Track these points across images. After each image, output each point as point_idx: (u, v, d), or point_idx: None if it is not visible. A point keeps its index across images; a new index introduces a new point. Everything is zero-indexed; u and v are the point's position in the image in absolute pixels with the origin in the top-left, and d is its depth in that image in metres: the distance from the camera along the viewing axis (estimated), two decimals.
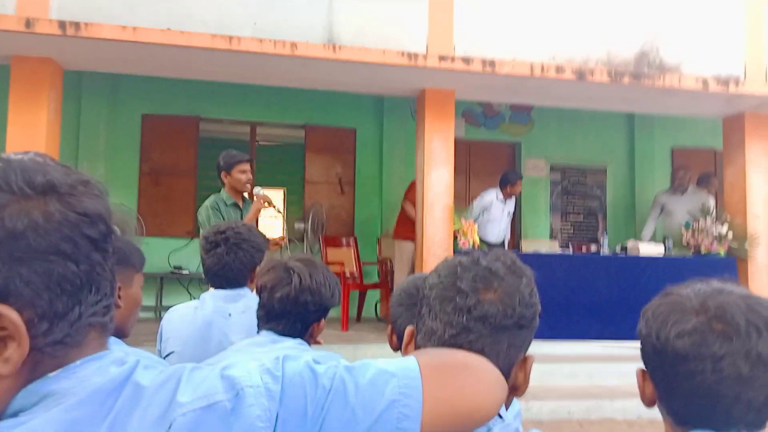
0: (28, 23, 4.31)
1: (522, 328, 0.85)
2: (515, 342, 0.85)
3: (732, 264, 5.69)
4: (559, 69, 5.24)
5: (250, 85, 6.10)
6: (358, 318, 6.47)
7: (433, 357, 0.76)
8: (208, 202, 3.86)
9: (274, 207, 4.04)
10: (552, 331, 5.32)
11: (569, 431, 4.07)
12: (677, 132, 7.92)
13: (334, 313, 6.40)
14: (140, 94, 6.63)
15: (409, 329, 0.93)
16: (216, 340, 1.65)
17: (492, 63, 5.10)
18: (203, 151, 6.95)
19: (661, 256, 5.67)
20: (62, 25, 4.35)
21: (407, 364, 0.70)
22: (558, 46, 5.35)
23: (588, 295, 5.41)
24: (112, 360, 0.63)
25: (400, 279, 5.84)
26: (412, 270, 5.83)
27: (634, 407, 4.42)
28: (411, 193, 6.06)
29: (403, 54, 4.94)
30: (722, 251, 5.71)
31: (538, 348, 4.61)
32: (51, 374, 0.59)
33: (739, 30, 5.69)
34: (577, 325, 5.35)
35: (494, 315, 0.83)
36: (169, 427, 0.59)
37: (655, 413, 0.96)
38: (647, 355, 0.92)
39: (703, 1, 5.70)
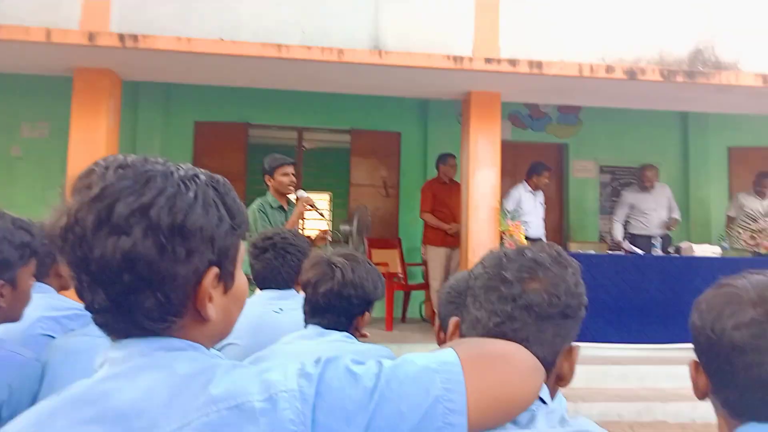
0: (91, 37, 4.54)
1: (567, 317, 0.86)
2: (560, 332, 0.86)
3: None
4: (609, 69, 5.15)
5: (297, 92, 6.23)
6: (403, 318, 6.50)
7: (471, 348, 0.77)
8: (254, 205, 3.95)
9: (317, 210, 4.11)
10: (603, 335, 5.22)
11: None
12: (734, 130, 7.63)
13: (378, 313, 6.44)
14: (193, 102, 6.86)
15: (453, 320, 0.94)
16: (268, 333, 1.71)
17: (539, 64, 5.06)
18: (252, 156, 7.12)
19: (718, 256, 5.48)
20: (122, 37, 4.56)
21: (447, 358, 0.71)
22: (607, 45, 5.26)
23: (640, 298, 5.27)
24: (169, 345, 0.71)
25: (434, 283, 5.84)
26: (446, 274, 5.82)
27: (687, 411, 4.29)
28: (423, 203, 6.11)
29: (448, 57, 4.95)
30: None
31: (587, 350, 4.57)
32: None
33: None
34: (628, 329, 5.23)
35: (539, 304, 0.84)
36: (195, 420, 0.62)
37: (709, 416, 0.94)
38: (701, 347, 0.91)
39: None
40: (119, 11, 4.68)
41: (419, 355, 0.73)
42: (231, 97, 6.74)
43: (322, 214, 4.24)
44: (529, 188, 6.02)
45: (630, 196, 6.51)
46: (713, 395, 0.93)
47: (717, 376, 0.90)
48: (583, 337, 4.77)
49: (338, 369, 0.68)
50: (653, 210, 6.39)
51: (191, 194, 0.70)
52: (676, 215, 6.46)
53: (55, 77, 5.53)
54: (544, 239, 6.22)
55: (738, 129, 7.60)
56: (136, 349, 0.70)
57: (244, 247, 0.80)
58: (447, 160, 6.13)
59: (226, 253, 0.74)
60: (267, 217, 3.91)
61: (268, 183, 4.05)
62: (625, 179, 7.76)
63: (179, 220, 0.68)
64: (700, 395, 0.95)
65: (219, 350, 1.92)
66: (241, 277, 0.80)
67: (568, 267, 0.87)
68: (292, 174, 4.03)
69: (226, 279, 0.75)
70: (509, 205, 5.87)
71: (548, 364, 0.84)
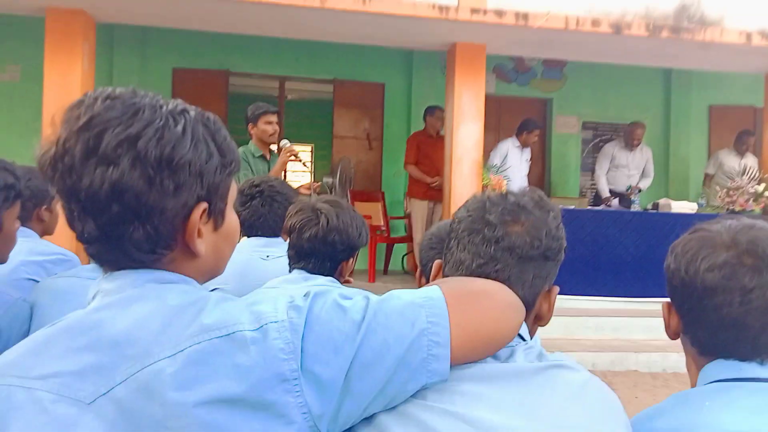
0: None
1: (548, 259, 0.88)
2: (540, 273, 0.88)
3: None
4: (595, 22, 5.10)
5: (280, 39, 6.08)
6: (385, 270, 6.57)
7: (454, 285, 0.79)
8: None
9: (300, 160, 4.09)
10: (580, 288, 5.35)
11: None
12: (715, 89, 7.67)
13: (361, 265, 6.50)
14: (171, 47, 6.66)
15: (437, 263, 0.96)
16: (254, 279, 1.71)
17: (525, 16, 4.99)
18: (233, 105, 6.98)
19: (694, 212, 5.59)
20: None
21: (432, 294, 0.73)
22: None
23: (617, 253, 5.38)
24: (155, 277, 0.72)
25: (417, 236, 5.88)
26: (428, 227, 5.86)
27: (659, 361, 4.46)
28: (408, 154, 6.09)
29: (434, 6, 4.86)
30: (757, 209, 5.61)
31: (565, 302, 4.69)
32: None
33: None
34: (605, 282, 5.36)
35: (521, 246, 0.86)
36: (187, 348, 0.63)
37: (679, 366, 0.99)
38: (674, 288, 0.95)
39: None
40: None
41: (405, 291, 0.75)
42: (211, 43, 6.56)
43: (305, 164, 4.22)
44: (518, 143, 6.02)
45: (612, 150, 6.52)
46: (684, 335, 0.96)
47: (689, 316, 0.93)
48: (563, 291, 4.87)
49: (327, 302, 0.69)
50: (629, 169, 6.43)
51: (180, 128, 0.70)
52: (645, 182, 6.51)
53: (26, 18, 5.31)
54: None
55: (719, 87, 7.64)
56: (128, 280, 0.71)
57: (235, 187, 0.80)
58: (434, 112, 6.08)
59: (216, 189, 0.74)
60: (249, 165, 3.89)
61: (251, 132, 4.01)
62: (607, 136, 7.80)
63: (167, 152, 0.68)
64: (672, 335, 0.99)
65: None
66: (232, 216, 0.80)
67: (549, 211, 0.89)
68: (275, 123, 3.99)
69: (216, 216, 0.76)
70: (496, 158, 5.88)
71: (528, 304, 0.87)
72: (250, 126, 4.00)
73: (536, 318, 0.92)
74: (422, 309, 0.71)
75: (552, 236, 0.88)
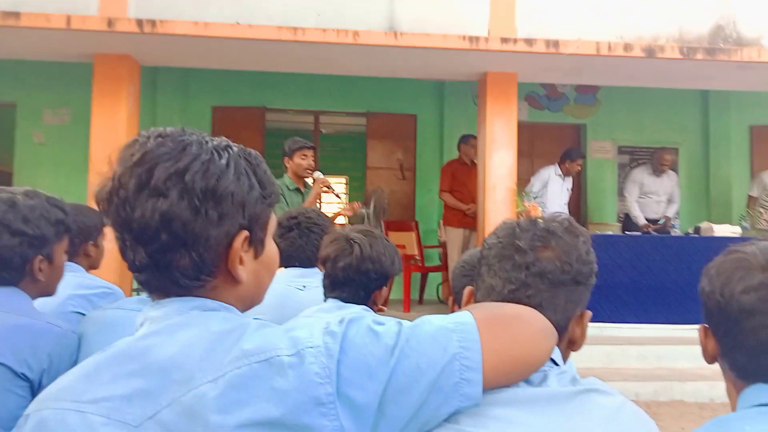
0: (110, 23, 4.59)
1: (579, 284, 0.89)
2: (572, 297, 0.89)
3: None
4: (628, 47, 5.09)
5: (314, 75, 6.26)
6: (420, 300, 6.56)
7: (486, 310, 0.80)
8: None
9: (333, 191, 4.19)
10: (621, 315, 5.22)
11: None
12: (756, 108, 7.50)
13: (396, 294, 6.47)
14: (210, 86, 6.92)
15: (468, 289, 0.98)
16: (291, 309, 1.75)
17: (556, 43, 5.02)
18: (270, 140, 7.18)
19: (738, 236, 5.43)
20: (140, 23, 4.61)
21: (463, 319, 0.75)
22: (625, 23, 5.19)
23: (658, 279, 5.26)
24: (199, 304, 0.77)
25: (453, 264, 5.85)
26: None
27: (706, 390, 4.29)
28: (442, 182, 6.12)
29: (464, 38, 4.93)
30: None
31: (606, 330, 4.57)
32: None
33: None
34: (647, 309, 5.22)
35: (552, 271, 0.87)
36: (228, 373, 0.67)
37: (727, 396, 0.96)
38: (710, 311, 0.93)
39: None
40: None
41: (436, 316, 0.77)
42: (248, 81, 6.79)
43: (338, 196, 4.31)
44: (560, 172, 6.01)
45: (641, 177, 6.38)
46: (721, 359, 0.95)
47: (725, 339, 0.92)
48: (603, 318, 4.81)
49: (361, 328, 0.72)
50: (658, 195, 6.30)
51: (224, 161, 0.76)
52: (673, 209, 6.35)
53: (75, 64, 5.61)
54: None
55: (760, 107, 7.47)
56: (174, 308, 0.76)
57: (275, 218, 0.85)
58: (468, 140, 6.12)
59: (257, 219, 0.79)
60: (284, 198, 3.99)
61: (287, 165, 4.13)
62: (644, 160, 7.68)
63: (212, 184, 0.74)
64: (709, 359, 0.98)
65: None
66: (271, 246, 0.84)
67: (579, 236, 0.91)
68: (311, 158, 4.11)
69: (256, 244, 0.80)
70: (536, 184, 5.87)
71: (561, 329, 0.88)
72: (286, 159, 4.13)
73: (569, 343, 0.92)
74: (454, 334, 0.73)
75: (582, 261, 0.89)
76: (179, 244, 0.73)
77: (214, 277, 0.77)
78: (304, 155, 4.07)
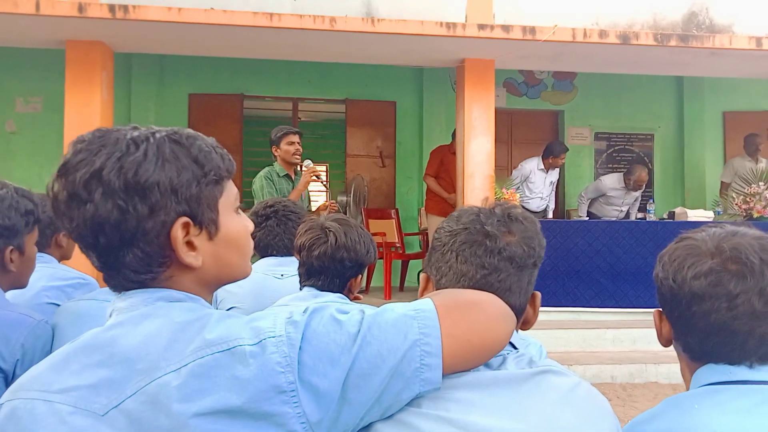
0: (81, 8, 4.50)
1: (536, 267, 0.94)
2: (531, 280, 0.94)
3: None
4: (603, 34, 5.13)
5: (292, 62, 6.20)
6: (401, 287, 6.59)
7: (446, 297, 0.82)
8: (262, 173, 4.13)
9: (321, 181, 4.26)
10: (597, 300, 5.31)
11: (613, 395, 4.10)
12: (729, 95, 7.63)
13: (377, 282, 6.46)
14: (187, 73, 6.82)
15: (423, 276, 1.00)
16: (269, 298, 1.76)
17: (532, 30, 5.04)
18: (248, 128, 7.12)
19: (711, 220, 5.55)
20: (111, 8, 4.52)
21: (424, 306, 0.77)
22: (601, 10, 5.24)
23: (634, 263, 5.35)
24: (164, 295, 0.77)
25: None
26: None
27: (679, 372, 4.39)
28: (429, 166, 6.09)
29: (441, 24, 4.93)
30: None
31: (582, 315, 4.65)
32: None
33: None
34: (624, 293, 5.32)
35: (520, 255, 0.91)
36: (191, 362, 0.68)
37: None
38: (664, 296, 0.97)
39: None
40: None
41: (398, 304, 0.79)
42: (225, 68, 6.71)
43: (325, 185, 4.37)
44: (542, 166, 6.01)
45: (609, 188, 6.26)
46: (675, 341, 0.99)
47: (678, 323, 0.95)
48: (582, 303, 4.88)
49: (324, 317, 0.73)
50: (621, 207, 6.34)
51: (140, 153, 0.74)
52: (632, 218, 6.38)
53: (47, 51, 5.49)
54: (551, 214, 6.27)
55: (732, 93, 7.60)
56: (139, 299, 0.76)
57: (233, 192, 0.83)
58: (560, 154, 6.00)
59: (198, 201, 0.77)
60: (273, 184, 4.06)
61: (275, 154, 4.18)
62: (620, 146, 7.78)
63: (130, 177, 0.72)
64: (664, 342, 1.02)
65: None
66: (232, 222, 0.81)
67: (534, 222, 0.96)
68: (297, 143, 4.15)
69: (207, 225, 0.78)
70: (516, 179, 5.89)
71: (521, 311, 0.93)
72: (274, 149, 4.18)
73: (523, 323, 0.96)
74: (415, 321, 0.75)
75: (541, 245, 0.94)
76: (119, 244, 0.74)
77: (167, 267, 0.77)
78: (291, 141, 4.12)
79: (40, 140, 6.38)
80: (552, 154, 5.96)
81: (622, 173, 6.30)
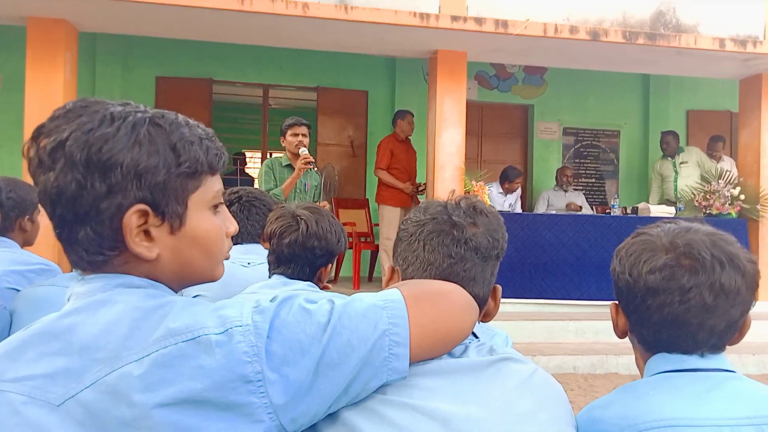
0: None
1: (498, 259, 0.96)
2: (494, 271, 0.96)
3: (743, 225, 5.71)
4: (573, 29, 5.19)
5: (263, 48, 6.11)
6: (370, 277, 6.60)
7: (414, 287, 0.82)
8: (266, 162, 4.31)
9: (315, 169, 4.44)
10: (562, 292, 5.42)
11: (575, 385, 4.19)
12: (693, 94, 7.83)
13: (346, 272, 6.44)
14: (153, 56, 6.66)
15: (389, 266, 1.01)
16: (236, 286, 1.74)
17: (505, 23, 5.07)
18: (217, 113, 7.00)
19: (672, 216, 5.69)
20: None
21: (393, 296, 0.78)
22: (572, 6, 5.29)
23: (599, 256, 5.46)
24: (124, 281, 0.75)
25: (387, 243, 5.79)
26: None
27: None
28: (380, 159, 6.06)
29: (414, 14, 4.92)
30: (734, 213, 5.73)
31: (546, 307, 4.75)
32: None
33: None
34: (589, 285, 5.43)
35: (485, 246, 0.93)
36: (154, 352, 0.66)
37: None
38: (620, 290, 1.00)
39: None
40: None
41: (367, 294, 0.79)
42: (194, 51, 6.57)
43: (316, 171, 4.48)
44: (501, 190, 6.21)
45: (547, 195, 6.78)
46: (631, 333, 1.02)
47: (634, 315, 0.98)
48: (548, 295, 4.96)
49: (293, 306, 0.72)
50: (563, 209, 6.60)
51: (111, 129, 0.71)
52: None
53: (7, 27, 5.29)
54: None
55: (697, 93, 7.80)
56: (98, 285, 0.73)
57: (213, 189, 0.79)
58: (405, 116, 6.07)
59: (164, 190, 0.73)
60: (273, 173, 4.18)
61: (283, 144, 4.29)
62: (588, 141, 7.91)
63: (94, 153, 0.69)
64: (620, 334, 1.05)
65: None
66: (201, 220, 0.77)
67: (497, 216, 0.99)
68: (302, 135, 4.23)
69: (169, 218, 0.74)
70: None
71: (483, 302, 0.95)
72: (282, 139, 4.29)
73: (484, 315, 0.99)
74: (384, 311, 0.75)
75: (504, 238, 0.97)
76: (73, 219, 0.72)
77: (117, 252, 0.73)
78: (295, 133, 4.21)
79: (0, 120, 6.17)
80: (507, 179, 6.20)
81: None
